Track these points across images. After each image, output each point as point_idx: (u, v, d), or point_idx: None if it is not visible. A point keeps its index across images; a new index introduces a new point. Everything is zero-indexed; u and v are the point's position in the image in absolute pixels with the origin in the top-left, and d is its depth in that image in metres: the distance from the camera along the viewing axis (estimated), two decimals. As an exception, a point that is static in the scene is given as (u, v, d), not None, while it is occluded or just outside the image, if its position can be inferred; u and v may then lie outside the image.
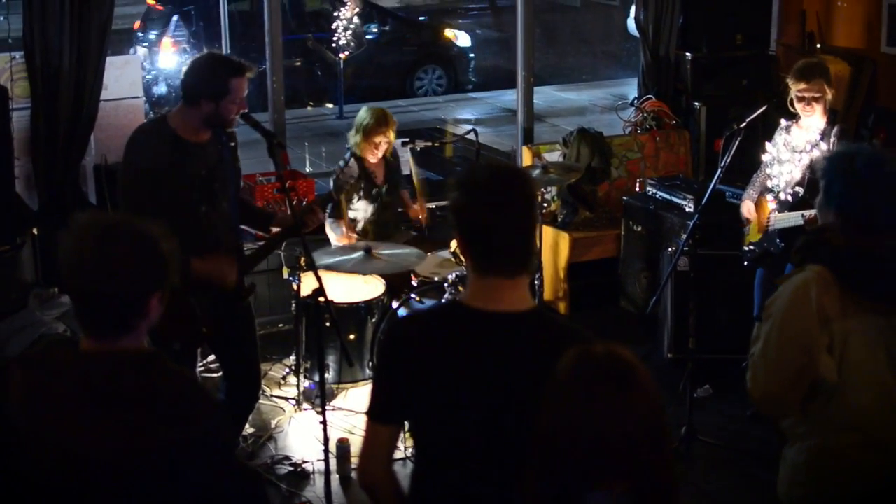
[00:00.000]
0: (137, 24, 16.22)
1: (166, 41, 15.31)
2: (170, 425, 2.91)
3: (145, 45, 15.58)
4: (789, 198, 6.90)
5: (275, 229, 6.14)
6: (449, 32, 18.18)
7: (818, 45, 9.90)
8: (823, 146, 6.76)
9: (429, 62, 17.73)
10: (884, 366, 3.99)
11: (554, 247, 9.00)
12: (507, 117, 15.09)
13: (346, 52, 15.92)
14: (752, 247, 7.12)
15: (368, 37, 17.02)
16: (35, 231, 7.59)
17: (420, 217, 8.02)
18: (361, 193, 7.71)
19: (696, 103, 9.89)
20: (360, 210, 7.78)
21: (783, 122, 7.04)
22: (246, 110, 5.65)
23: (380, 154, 7.66)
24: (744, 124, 6.86)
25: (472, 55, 18.17)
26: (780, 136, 7.04)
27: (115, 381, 2.93)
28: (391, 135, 7.65)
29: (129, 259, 2.97)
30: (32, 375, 2.99)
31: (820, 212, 4.17)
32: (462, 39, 18.05)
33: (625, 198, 9.01)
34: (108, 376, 2.94)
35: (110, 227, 3.05)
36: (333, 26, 15.84)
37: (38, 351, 3.11)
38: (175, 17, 15.46)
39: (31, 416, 2.94)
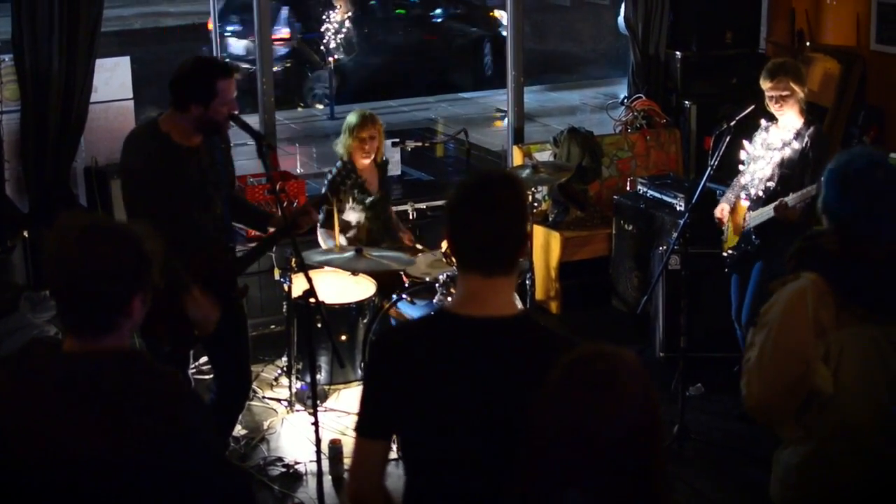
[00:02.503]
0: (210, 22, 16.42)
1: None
2: (152, 423, 2.91)
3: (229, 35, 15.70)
4: (760, 193, 6.94)
5: (271, 230, 6.14)
6: (496, 12, 18.44)
7: (807, 43, 9.91)
8: (796, 145, 6.81)
9: (487, 42, 18.20)
10: (878, 376, 3.97)
11: (545, 246, 9.01)
12: (498, 117, 15.10)
13: (336, 56, 15.91)
14: (731, 251, 7.15)
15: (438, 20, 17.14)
16: (26, 234, 7.59)
17: (411, 243, 8.07)
18: (353, 202, 7.70)
19: (686, 102, 9.90)
20: (352, 219, 7.78)
21: (763, 122, 7.09)
22: (237, 111, 5.65)
23: (370, 154, 7.65)
24: (733, 122, 6.91)
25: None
26: (759, 136, 7.10)
27: (96, 381, 2.94)
28: (378, 132, 7.66)
29: (110, 258, 2.98)
30: (14, 376, 3.00)
31: (822, 218, 4.17)
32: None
33: (616, 197, 9.02)
34: (89, 376, 2.95)
35: (92, 226, 3.06)
36: (322, 29, 15.83)
37: (19, 352, 3.11)
38: (285, 10, 15.73)
39: (14, 416, 2.95)
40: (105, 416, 2.90)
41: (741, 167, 7.18)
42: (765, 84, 6.84)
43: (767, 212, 6.79)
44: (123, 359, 3.02)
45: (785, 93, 6.78)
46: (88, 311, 3.00)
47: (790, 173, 6.79)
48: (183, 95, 5.52)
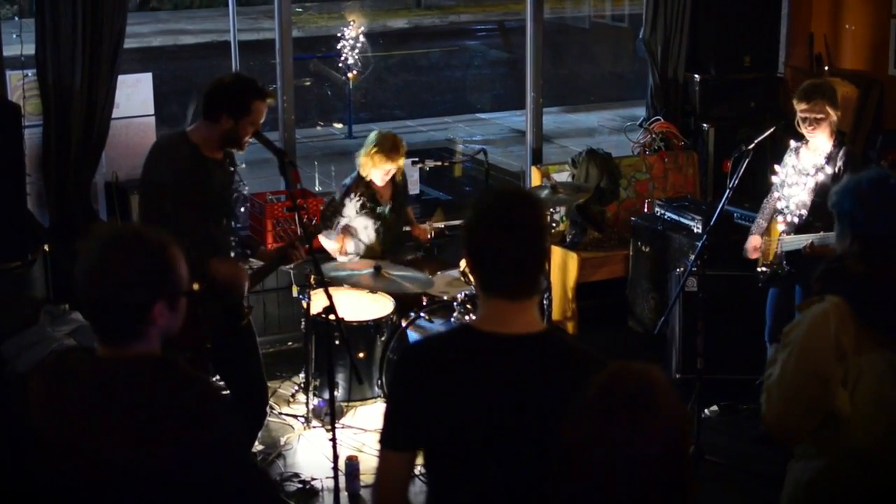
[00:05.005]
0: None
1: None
2: (184, 428, 2.93)
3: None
4: (795, 220, 6.91)
5: (253, 261, 6.25)
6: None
7: (826, 68, 9.94)
8: (829, 170, 6.78)
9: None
10: (892, 400, 3.98)
11: (562, 267, 9.02)
12: (516, 138, 15.12)
13: (354, 72, 15.93)
14: (764, 268, 7.13)
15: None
16: (46, 248, 7.61)
17: (425, 237, 8.07)
18: (366, 213, 7.72)
19: (705, 125, 9.91)
20: (362, 229, 7.78)
21: (792, 143, 7.06)
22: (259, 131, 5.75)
23: (387, 178, 7.69)
24: (752, 146, 6.88)
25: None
26: (788, 158, 7.06)
27: (129, 386, 2.96)
28: (401, 162, 7.67)
29: (127, 266, 3.01)
30: (51, 382, 3.02)
31: (838, 241, 4.16)
32: None
33: (633, 218, 9.03)
34: (122, 381, 2.97)
35: (115, 235, 3.10)
36: (339, 46, 15.85)
37: (55, 358, 3.14)
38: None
39: (50, 421, 2.96)
40: (137, 420, 2.91)
41: (776, 192, 7.14)
42: (800, 105, 6.79)
43: (799, 242, 6.77)
44: (154, 365, 3.04)
45: (820, 115, 6.74)
46: (110, 319, 3.03)
47: (822, 202, 6.74)
48: (217, 105, 5.66)
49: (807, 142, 6.92)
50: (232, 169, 5.99)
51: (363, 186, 7.64)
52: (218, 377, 6.66)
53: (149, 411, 2.93)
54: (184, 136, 5.73)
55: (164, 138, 5.94)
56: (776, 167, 7.14)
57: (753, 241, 7.20)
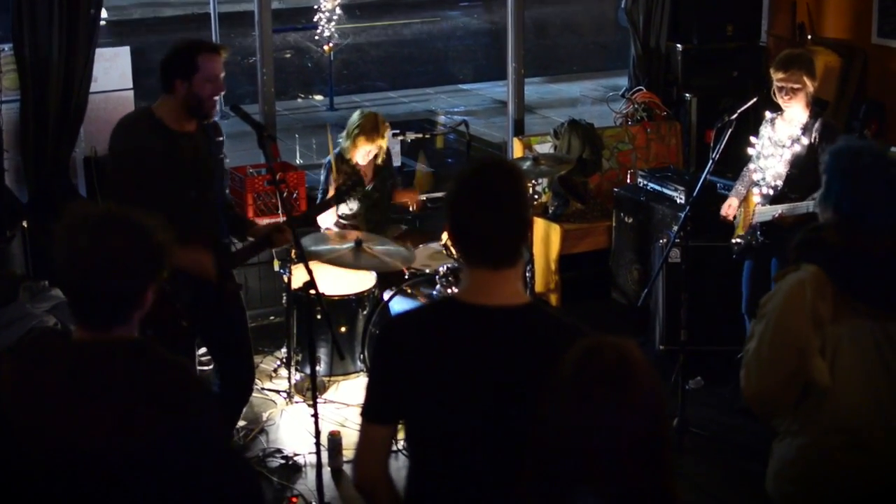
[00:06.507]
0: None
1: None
2: (162, 413, 2.91)
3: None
4: (771, 192, 6.91)
5: (251, 239, 6.17)
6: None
7: (809, 36, 9.90)
8: (805, 141, 6.78)
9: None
10: (875, 370, 3.96)
11: (545, 238, 9.00)
12: (498, 109, 15.08)
13: (330, 45, 15.85)
14: (738, 240, 7.13)
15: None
16: (25, 224, 7.57)
17: (412, 205, 8.03)
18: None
19: (687, 94, 9.88)
20: (346, 209, 7.74)
21: (768, 114, 7.05)
22: (223, 91, 5.68)
23: (369, 158, 7.64)
24: (735, 115, 6.85)
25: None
26: (764, 130, 7.05)
27: (107, 370, 2.93)
28: (382, 143, 7.63)
29: (126, 253, 2.98)
30: (23, 365, 2.99)
31: (819, 207, 4.13)
32: None
33: (616, 189, 9.00)
34: (100, 365, 2.94)
35: (106, 219, 3.04)
36: (315, 18, 15.76)
37: (28, 341, 3.10)
38: None
39: (23, 405, 2.93)
40: (115, 405, 2.89)
41: (750, 164, 7.14)
42: (776, 74, 6.78)
43: (772, 213, 6.76)
44: (134, 349, 3.01)
45: (796, 85, 6.73)
46: (103, 304, 3.00)
47: (797, 173, 6.74)
48: (169, 75, 5.58)
49: (782, 113, 6.90)
50: (220, 139, 5.92)
51: (347, 167, 7.57)
52: (206, 351, 6.66)
53: (124, 397, 2.91)
54: (147, 111, 5.68)
55: (126, 115, 5.90)
56: (752, 139, 7.12)
57: (729, 202, 7.24)
